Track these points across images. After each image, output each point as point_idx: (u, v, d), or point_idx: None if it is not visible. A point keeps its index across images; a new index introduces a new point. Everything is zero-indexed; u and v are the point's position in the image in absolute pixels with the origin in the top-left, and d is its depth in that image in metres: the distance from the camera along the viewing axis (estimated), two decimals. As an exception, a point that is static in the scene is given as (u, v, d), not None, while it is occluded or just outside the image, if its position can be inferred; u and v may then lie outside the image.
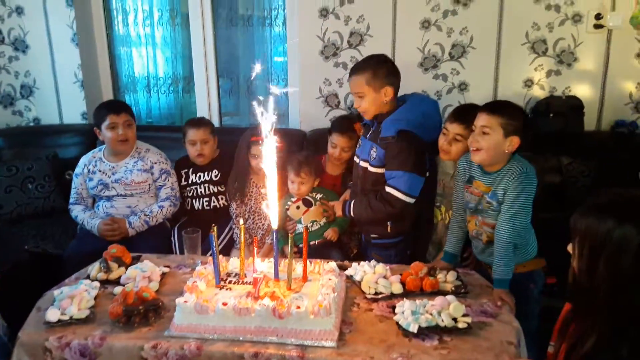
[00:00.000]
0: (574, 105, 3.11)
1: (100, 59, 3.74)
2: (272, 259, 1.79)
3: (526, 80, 3.22)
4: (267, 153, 1.65)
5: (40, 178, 3.18)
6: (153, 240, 2.64)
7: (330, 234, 2.57)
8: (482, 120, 1.95)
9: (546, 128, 3.12)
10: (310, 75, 3.36)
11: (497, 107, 1.97)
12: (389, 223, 2.37)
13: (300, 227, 2.58)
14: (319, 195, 2.63)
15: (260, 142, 2.28)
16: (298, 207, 2.61)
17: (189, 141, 2.87)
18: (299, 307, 1.57)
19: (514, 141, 1.92)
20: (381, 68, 2.27)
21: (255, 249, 1.83)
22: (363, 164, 2.39)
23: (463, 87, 3.26)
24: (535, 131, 3.20)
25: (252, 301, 1.61)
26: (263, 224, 2.80)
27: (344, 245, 2.69)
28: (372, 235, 2.45)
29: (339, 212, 2.50)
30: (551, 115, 3.11)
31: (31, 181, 3.13)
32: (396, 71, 2.31)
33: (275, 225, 1.75)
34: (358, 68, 2.30)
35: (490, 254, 2.04)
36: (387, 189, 2.26)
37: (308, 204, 2.61)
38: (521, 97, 3.23)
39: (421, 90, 3.22)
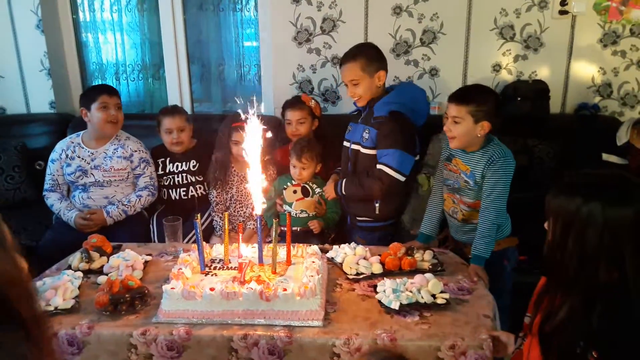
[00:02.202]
0: (540, 89, 3.23)
1: (66, 45, 3.64)
2: (255, 245, 1.82)
3: (494, 65, 3.31)
4: (251, 136, 1.67)
5: (9, 169, 3.10)
6: (131, 229, 2.63)
7: (315, 225, 2.59)
8: (452, 110, 2.05)
9: (514, 111, 3.22)
10: (283, 61, 3.36)
11: (465, 96, 2.05)
12: (376, 204, 2.43)
13: (288, 210, 2.61)
14: (318, 190, 2.65)
15: (242, 128, 2.30)
16: (295, 192, 2.63)
17: (165, 130, 2.85)
18: (285, 290, 1.61)
19: (485, 125, 2.01)
20: (373, 53, 2.37)
21: (241, 235, 1.85)
22: (355, 146, 2.46)
23: (434, 72, 3.34)
24: (504, 114, 3.31)
25: (238, 285, 1.64)
26: (244, 212, 2.81)
27: (323, 234, 2.71)
28: (358, 218, 2.52)
29: (331, 194, 2.55)
30: (518, 99, 3.21)
31: (0, 173, 3.05)
32: (384, 56, 2.41)
33: (259, 210, 1.78)
34: (351, 55, 2.37)
35: (465, 232, 2.13)
36: (379, 166, 2.34)
37: (306, 193, 2.64)
38: (490, 81, 3.33)
39: (394, 76, 3.28)
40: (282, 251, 1.88)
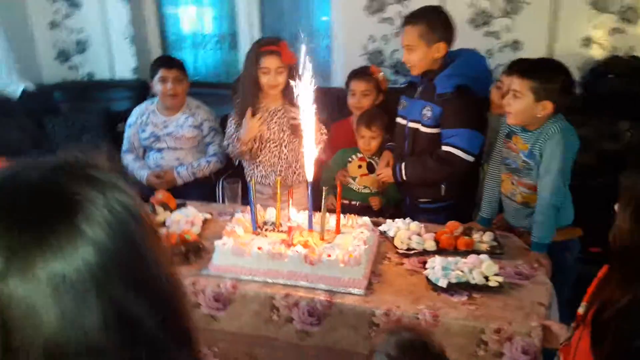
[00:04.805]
0: (637, 66, 2.92)
1: (148, 16, 3.82)
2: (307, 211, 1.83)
3: (584, 39, 3.04)
4: (304, 97, 1.64)
5: (93, 130, 3.35)
6: (198, 191, 2.73)
7: (376, 202, 2.53)
8: (513, 83, 1.88)
9: (603, 90, 2.96)
10: (354, 32, 3.30)
11: (530, 70, 1.87)
12: (442, 185, 2.29)
13: (351, 185, 2.57)
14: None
15: (273, 51, 2.13)
16: (360, 167, 2.57)
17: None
18: (329, 255, 1.61)
19: (547, 106, 1.84)
20: (437, 21, 2.16)
21: (291, 200, 1.86)
22: (413, 124, 2.28)
23: (516, 45, 3.12)
24: (591, 93, 3.05)
25: (285, 247, 1.66)
26: (278, 162, 2.49)
27: (382, 211, 2.59)
28: (420, 200, 2.37)
29: (389, 178, 2.38)
30: (610, 76, 2.94)
31: (85, 133, 3.30)
32: (451, 26, 2.20)
33: (310, 177, 1.78)
34: (413, 18, 2.19)
35: (524, 217, 1.99)
36: (446, 148, 2.17)
37: (371, 169, 2.57)
38: (578, 57, 3.06)
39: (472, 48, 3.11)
40: (333, 220, 1.88)
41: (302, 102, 1.68)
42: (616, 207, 1.21)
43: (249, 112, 2.37)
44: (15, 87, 3.23)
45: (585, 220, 2.04)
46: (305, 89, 1.67)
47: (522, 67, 1.90)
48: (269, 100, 2.45)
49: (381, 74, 2.65)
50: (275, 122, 2.46)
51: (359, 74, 2.67)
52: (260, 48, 2.37)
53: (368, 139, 2.51)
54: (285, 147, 2.46)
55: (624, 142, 2.96)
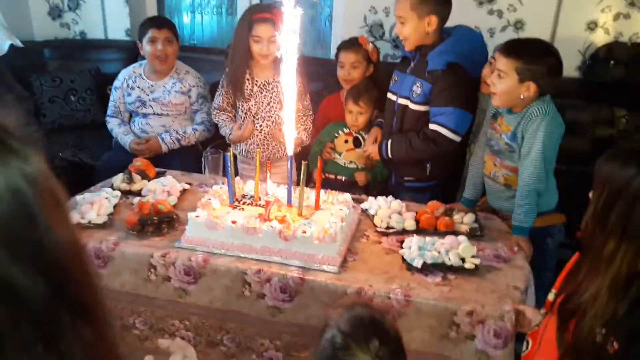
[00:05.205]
0: (639, 53, 2.85)
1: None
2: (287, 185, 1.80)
3: (590, 23, 2.96)
4: (286, 59, 1.58)
5: (82, 91, 3.28)
6: (184, 160, 2.68)
7: (361, 177, 2.49)
8: (499, 62, 1.82)
9: (603, 76, 2.91)
10: (355, 2, 3.20)
11: (515, 50, 1.80)
12: (428, 164, 2.27)
13: (337, 160, 2.53)
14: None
15: (267, 19, 2.10)
16: (346, 141, 2.53)
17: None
18: (304, 232, 1.59)
19: (531, 87, 1.78)
20: None
21: (269, 173, 1.83)
22: (402, 101, 2.24)
23: (519, 25, 3.04)
24: (590, 78, 2.99)
25: (260, 222, 1.64)
26: (265, 135, 2.47)
27: (369, 187, 2.57)
28: (406, 178, 2.35)
29: (375, 155, 2.36)
30: (612, 62, 2.87)
31: (74, 93, 3.24)
32: (447, 1, 2.13)
33: (290, 151, 1.74)
34: None
35: (506, 199, 1.97)
36: (433, 126, 2.14)
37: (357, 144, 2.52)
38: (582, 41, 2.99)
39: (473, 26, 3.02)
40: (313, 196, 1.85)
41: (285, 72, 1.62)
42: (590, 194, 1.18)
43: (246, 125, 2.38)
44: (2, 43, 3.14)
45: (574, 206, 2.01)
46: (290, 59, 1.61)
47: (508, 47, 1.83)
48: (258, 70, 2.40)
49: (370, 44, 2.55)
50: (265, 96, 2.41)
51: (348, 44, 2.58)
52: (253, 15, 2.30)
53: (355, 114, 2.45)
54: (273, 123, 2.41)
55: (618, 128, 2.92)
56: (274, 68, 2.35)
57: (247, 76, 2.40)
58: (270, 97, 2.41)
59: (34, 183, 0.52)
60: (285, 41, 1.57)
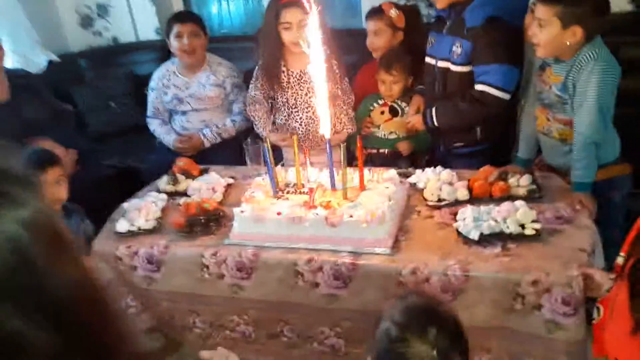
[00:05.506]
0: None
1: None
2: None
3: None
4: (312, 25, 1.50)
5: (120, 96, 3.33)
6: (226, 153, 2.69)
7: (404, 147, 2.40)
8: (538, 10, 1.68)
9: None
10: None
11: None
12: (477, 128, 2.16)
13: (377, 133, 2.46)
14: (407, 109, 2.41)
15: (294, 2, 1.98)
16: (382, 113, 2.44)
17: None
18: (351, 216, 1.55)
19: (577, 32, 1.64)
20: None
21: (309, 159, 1.79)
22: (442, 64, 2.13)
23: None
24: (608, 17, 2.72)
25: (305, 210, 1.61)
26: (307, 129, 2.39)
27: (415, 156, 2.49)
28: (455, 145, 2.24)
29: (419, 126, 2.27)
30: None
31: (113, 99, 3.30)
32: None
33: (327, 134, 1.69)
34: None
35: (562, 155, 1.84)
36: (479, 87, 2.03)
37: (395, 112, 2.43)
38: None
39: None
40: (357, 176, 1.79)
41: (313, 47, 1.55)
42: None
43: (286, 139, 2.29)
44: (39, 60, 3.23)
45: (636, 153, 1.86)
46: (316, 32, 1.53)
47: None
48: (293, 60, 2.29)
49: (393, 10, 2.43)
50: (301, 87, 2.32)
51: (371, 12, 2.50)
52: (280, 0, 2.20)
53: (389, 83, 2.36)
54: (314, 113, 2.31)
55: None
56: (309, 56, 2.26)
57: (282, 68, 2.31)
58: (308, 87, 2.30)
59: (32, 227, 0.49)
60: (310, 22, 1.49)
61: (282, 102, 2.37)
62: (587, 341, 1.41)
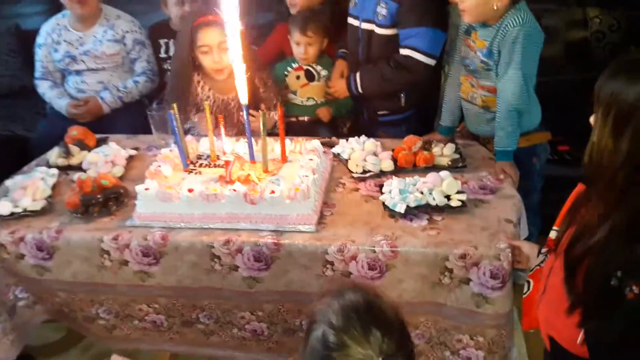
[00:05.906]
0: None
1: None
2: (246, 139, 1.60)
3: None
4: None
5: (3, 54, 2.92)
6: (131, 119, 2.43)
7: (324, 113, 2.28)
8: None
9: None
10: None
11: None
12: (402, 94, 2.11)
13: (294, 100, 2.32)
14: (324, 72, 2.28)
15: (213, 24, 1.79)
16: (298, 77, 2.29)
17: None
18: (273, 192, 1.41)
19: None
20: None
21: (223, 129, 1.61)
22: (366, 25, 2.05)
23: None
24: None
25: (221, 186, 1.45)
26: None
27: (336, 122, 2.38)
28: (379, 112, 2.19)
29: (343, 92, 2.17)
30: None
31: (-6, 57, 2.88)
32: None
33: (245, 100, 1.52)
34: None
35: (485, 122, 1.83)
36: (404, 51, 1.97)
37: (310, 77, 2.28)
38: None
39: None
40: (278, 146, 1.65)
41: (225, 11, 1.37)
42: (591, 119, 1.03)
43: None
44: None
45: (552, 118, 1.89)
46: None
47: None
48: (219, 88, 2.00)
49: None
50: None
51: None
52: (194, 21, 1.92)
53: (304, 45, 2.20)
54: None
55: (591, 29, 2.76)
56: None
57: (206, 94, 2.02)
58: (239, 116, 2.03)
59: None
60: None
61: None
62: (512, 311, 1.42)
